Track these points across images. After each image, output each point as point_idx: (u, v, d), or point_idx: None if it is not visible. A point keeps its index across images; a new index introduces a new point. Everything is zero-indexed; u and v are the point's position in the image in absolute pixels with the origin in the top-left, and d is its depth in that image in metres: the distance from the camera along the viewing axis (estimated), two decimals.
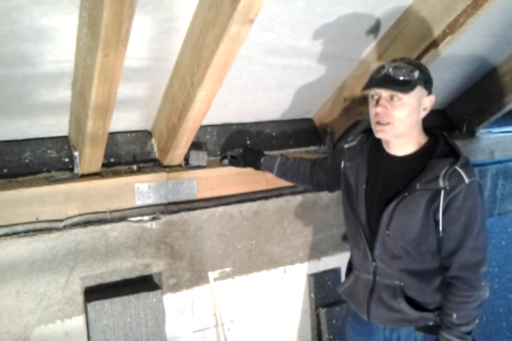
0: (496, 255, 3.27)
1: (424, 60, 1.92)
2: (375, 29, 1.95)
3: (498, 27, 2.18)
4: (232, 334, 2.35)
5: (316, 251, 2.52)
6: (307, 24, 1.76)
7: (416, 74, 1.51)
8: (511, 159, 3.23)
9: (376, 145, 1.70)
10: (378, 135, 1.59)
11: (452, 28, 1.83)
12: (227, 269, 2.25)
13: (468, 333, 1.58)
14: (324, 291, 2.55)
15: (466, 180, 1.50)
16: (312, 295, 2.54)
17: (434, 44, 1.90)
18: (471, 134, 2.98)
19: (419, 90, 1.53)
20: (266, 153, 2.09)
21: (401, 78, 1.50)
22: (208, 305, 2.25)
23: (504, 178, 3.23)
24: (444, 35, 1.86)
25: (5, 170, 1.77)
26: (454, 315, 1.57)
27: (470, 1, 1.74)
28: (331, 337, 2.53)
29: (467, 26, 1.82)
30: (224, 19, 1.35)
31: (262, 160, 2.02)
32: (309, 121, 2.53)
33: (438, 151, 1.58)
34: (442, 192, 1.51)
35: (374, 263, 1.68)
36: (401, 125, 1.54)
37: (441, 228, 1.55)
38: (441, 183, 1.51)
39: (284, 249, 2.41)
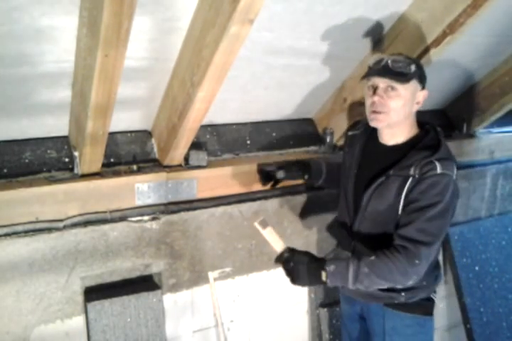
0: (496, 255, 3.26)
1: (424, 60, 1.92)
2: (375, 29, 1.96)
3: (498, 27, 2.18)
4: (232, 334, 2.35)
5: (316, 251, 2.51)
6: (307, 24, 1.76)
7: (412, 67, 1.59)
8: (511, 159, 3.23)
9: (373, 135, 1.78)
10: (372, 123, 1.68)
11: (452, 28, 1.84)
12: (227, 269, 2.25)
13: (355, 278, 1.54)
14: (324, 291, 2.56)
15: (439, 171, 1.55)
16: (312, 295, 2.55)
17: (434, 44, 1.90)
18: (471, 134, 2.98)
19: (414, 83, 1.62)
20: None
21: (398, 70, 1.58)
22: (208, 305, 2.24)
23: (504, 178, 3.22)
24: (444, 35, 1.87)
25: (5, 170, 1.77)
26: (373, 258, 1.55)
27: (470, 1, 1.74)
28: (331, 337, 2.53)
29: (467, 26, 1.83)
30: (224, 19, 1.35)
31: (311, 168, 2.04)
32: (309, 121, 2.53)
33: (422, 143, 1.65)
34: (410, 179, 1.58)
35: (353, 243, 1.77)
36: (395, 115, 1.62)
37: (401, 207, 1.61)
38: (411, 171, 1.58)
39: None
